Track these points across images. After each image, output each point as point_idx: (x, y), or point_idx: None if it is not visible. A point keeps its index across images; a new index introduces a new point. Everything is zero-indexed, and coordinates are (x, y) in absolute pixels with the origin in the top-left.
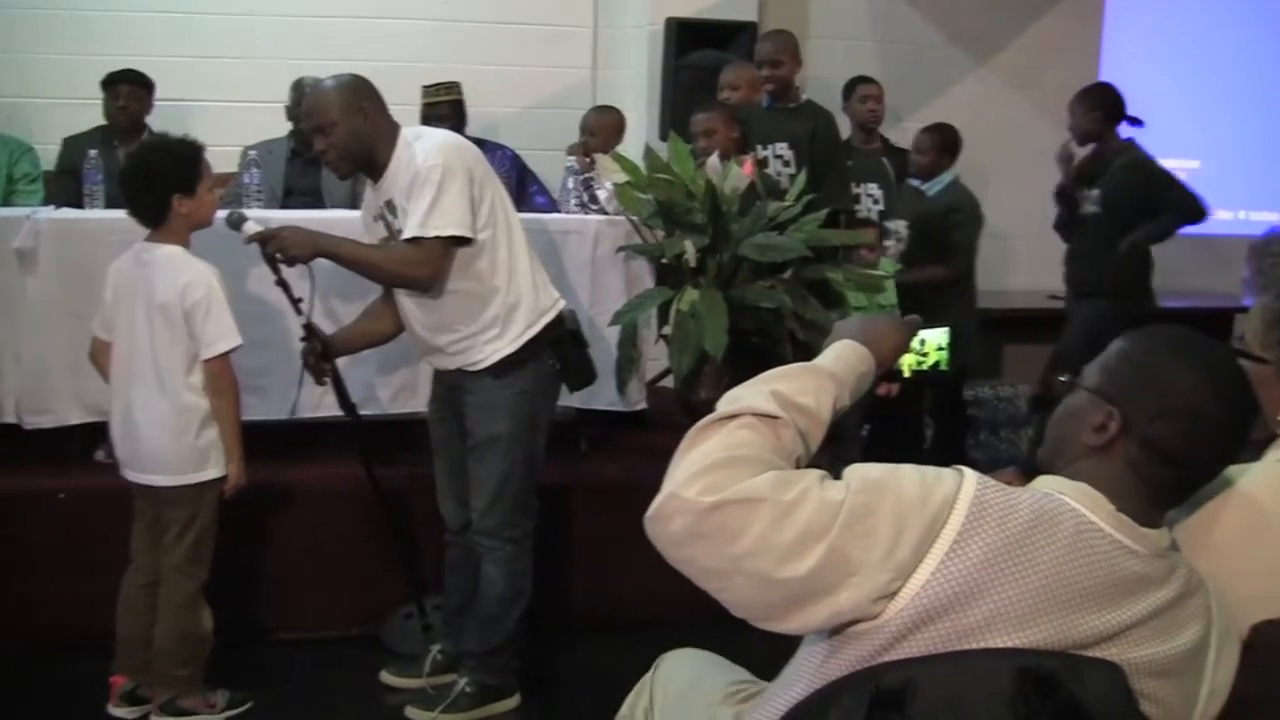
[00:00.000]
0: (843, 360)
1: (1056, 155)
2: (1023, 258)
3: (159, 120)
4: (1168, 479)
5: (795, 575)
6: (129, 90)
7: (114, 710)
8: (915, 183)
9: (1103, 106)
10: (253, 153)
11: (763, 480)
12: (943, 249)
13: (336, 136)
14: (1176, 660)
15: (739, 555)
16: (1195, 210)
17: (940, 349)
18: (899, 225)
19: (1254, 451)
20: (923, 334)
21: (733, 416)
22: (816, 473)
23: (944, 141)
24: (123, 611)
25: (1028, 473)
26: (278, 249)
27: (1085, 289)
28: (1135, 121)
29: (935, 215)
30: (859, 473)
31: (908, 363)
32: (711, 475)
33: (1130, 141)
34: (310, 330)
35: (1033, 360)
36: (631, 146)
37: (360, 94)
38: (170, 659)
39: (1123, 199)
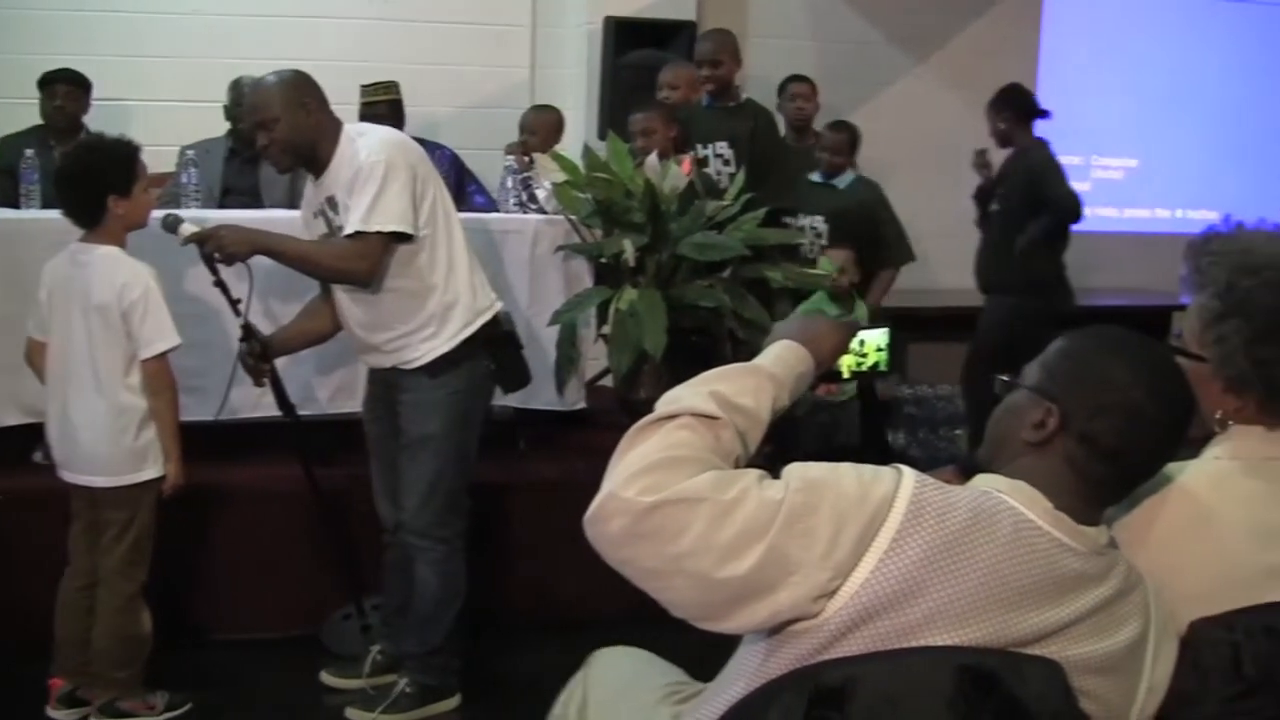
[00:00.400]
0: (782, 361)
1: (971, 163)
2: (958, 257)
3: (96, 120)
4: (1105, 476)
5: (735, 575)
6: (66, 90)
7: (53, 713)
8: (817, 178)
9: (1010, 107)
10: (190, 152)
11: (702, 480)
12: (876, 247)
13: (279, 131)
14: (1115, 657)
15: (679, 555)
16: (1070, 210)
17: (880, 350)
18: (815, 221)
19: (1193, 449)
20: (862, 334)
21: (672, 417)
22: (755, 472)
23: (853, 139)
24: (61, 613)
25: (967, 471)
26: (215, 248)
27: (992, 285)
28: (1043, 114)
29: (853, 210)
30: (798, 472)
31: (847, 363)
32: (650, 475)
33: (1039, 140)
34: (248, 331)
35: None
36: (570, 145)
37: (302, 89)
38: (109, 661)
39: (1015, 197)
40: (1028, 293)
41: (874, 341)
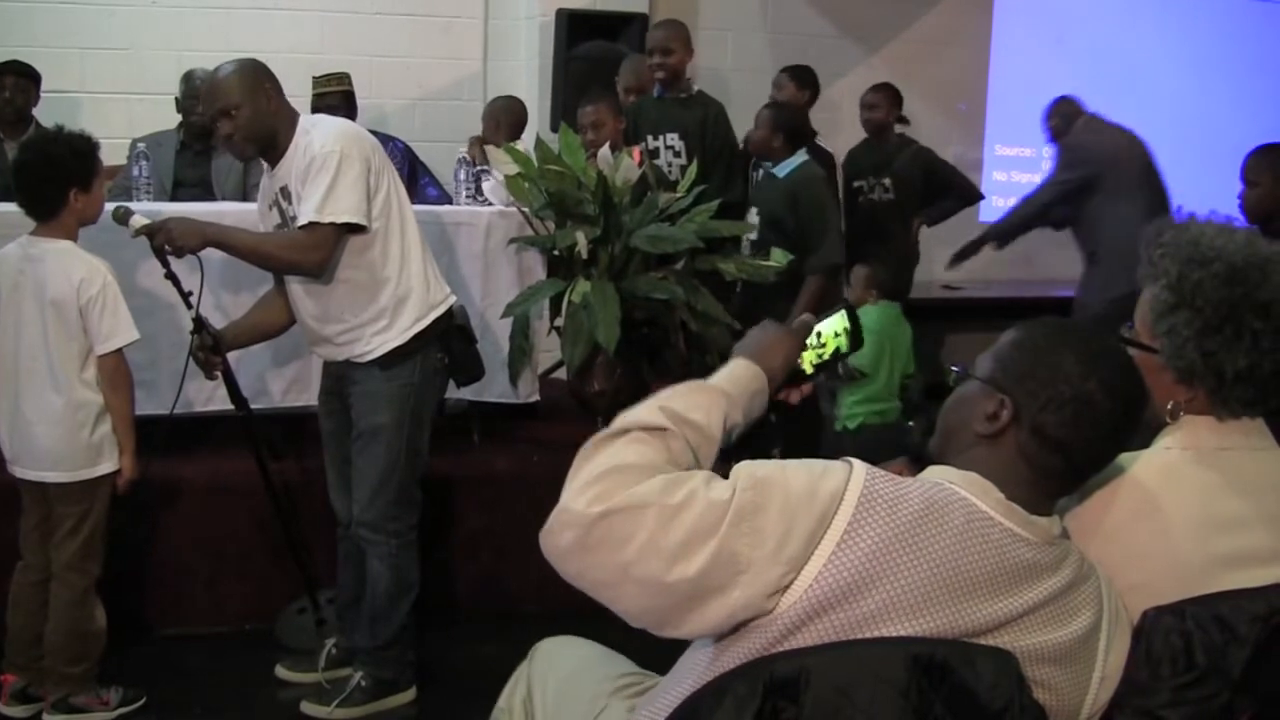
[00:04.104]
0: (734, 378)
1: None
2: None
3: (45, 112)
4: (1058, 467)
5: (685, 576)
6: (14, 82)
7: (5, 709)
8: (767, 165)
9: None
10: (141, 145)
11: (649, 485)
12: (803, 249)
13: (242, 118)
14: (1068, 647)
15: (628, 562)
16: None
17: (838, 335)
18: (752, 213)
19: (1145, 439)
20: (818, 327)
21: (624, 432)
22: (704, 474)
23: (778, 119)
24: (13, 608)
25: (918, 463)
26: (166, 241)
27: None
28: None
29: (781, 200)
30: (746, 470)
31: (808, 359)
32: (599, 485)
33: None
34: (199, 324)
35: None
36: (522, 137)
37: (260, 76)
38: (62, 656)
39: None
40: None
41: (830, 329)
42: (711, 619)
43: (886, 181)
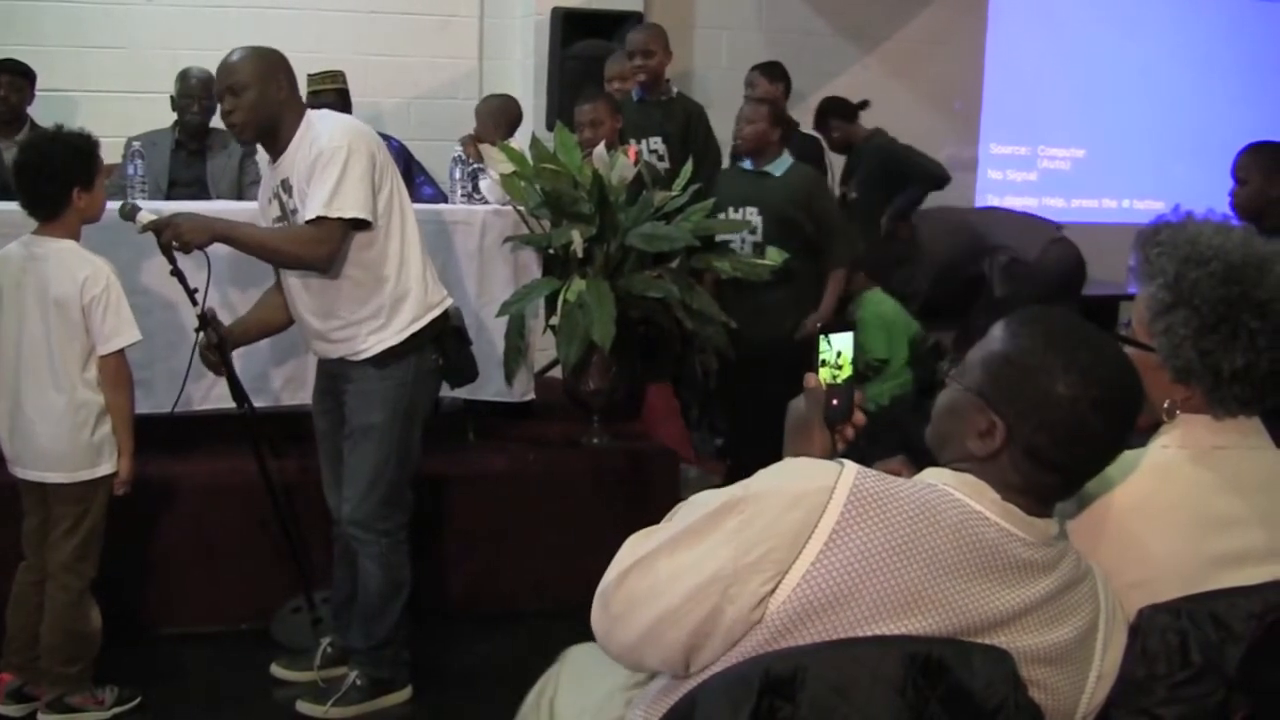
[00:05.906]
0: None
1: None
2: None
3: (40, 111)
4: (1052, 482)
5: (682, 600)
6: (10, 80)
7: (1, 708)
8: (747, 164)
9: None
10: (137, 144)
11: (655, 534)
12: (820, 246)
13: (246, 99)
14: (1065, 647)
15: (645, 610)
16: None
17: (851, 360)
18: (749, 213)
19: (1142, 437)
20: (835, 340)
21: None
22: (703, 495)
23: (775, 114)
24: (14, 608)
25: (918, 462)
26: (174, 236)
27: None
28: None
29: (791, 201)
30: (737, 484)
31: (824, 376)
32: (620, 556)
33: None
34: (205, 321)
35: None
36: (518, 136)
37: (276, 66)
38: (57, 656)
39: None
40: None
41: (848, 349)
42: (718, 645)
43: (853, 181)
